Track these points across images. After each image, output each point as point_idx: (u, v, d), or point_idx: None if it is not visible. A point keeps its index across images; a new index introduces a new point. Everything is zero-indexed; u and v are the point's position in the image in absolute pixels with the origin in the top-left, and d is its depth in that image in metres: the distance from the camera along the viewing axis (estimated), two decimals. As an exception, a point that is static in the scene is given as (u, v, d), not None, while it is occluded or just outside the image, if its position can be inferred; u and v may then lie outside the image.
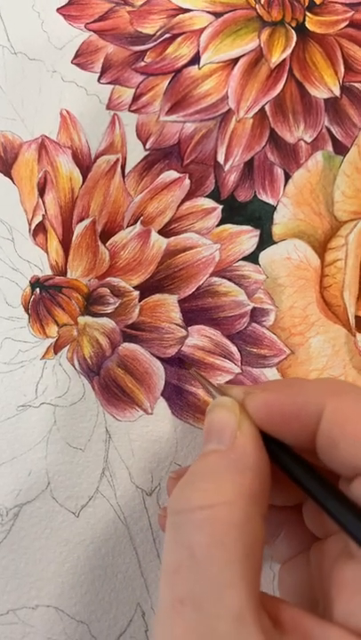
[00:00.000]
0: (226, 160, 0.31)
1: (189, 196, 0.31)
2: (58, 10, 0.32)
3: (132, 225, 0.30)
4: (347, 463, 0.19)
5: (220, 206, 0.31)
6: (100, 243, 0.30)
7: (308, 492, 0.20)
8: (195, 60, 0.32)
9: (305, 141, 0.31)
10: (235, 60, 0.32)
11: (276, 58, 0.32)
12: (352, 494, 0.19)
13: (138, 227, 0.30)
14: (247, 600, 0.17)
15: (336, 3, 0.33)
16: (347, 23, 0.32)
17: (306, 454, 0.21)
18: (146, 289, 0.30)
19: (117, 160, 0.31)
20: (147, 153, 0.31)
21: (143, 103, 0.31)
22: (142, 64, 0.32)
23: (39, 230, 0.30)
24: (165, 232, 0.30)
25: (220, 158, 0.31)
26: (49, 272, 0.30)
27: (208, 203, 0.31)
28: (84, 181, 0.30)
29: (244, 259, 0.30)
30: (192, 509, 0.19)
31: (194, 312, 0.30)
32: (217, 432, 0.21)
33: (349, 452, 0.19)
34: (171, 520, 0.19)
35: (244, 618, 0.17)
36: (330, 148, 0.31)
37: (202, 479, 0.20)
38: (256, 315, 0.30)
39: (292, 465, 0.21)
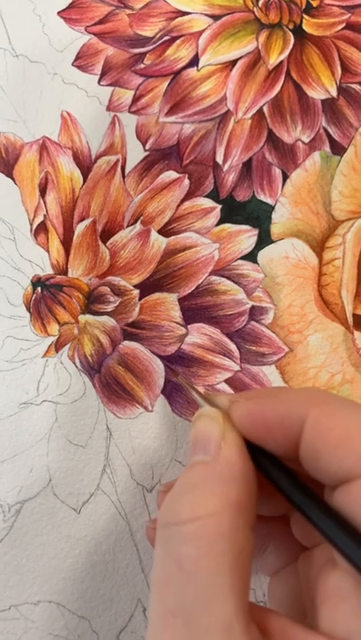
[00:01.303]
0: (225, 160, 0.31)
1: (189, 195, 0.31)
2: (58, 13, 0.33)
3: (132, 225, 0.31)
4: (330, 472, 0.19)
5: (219, 206, 0.31)
6: (100, 242, 0.30)
7: (293, 501, 0.20)
8: (193, 62, 0.32)
9: (303, 142, 0.32)
10: (233, 62, 0.32)
11: (273, 60, 0.32)
12: (335, 503, 0.19)
13: (138, 226, 0.30)
14: (236, 611, 0.17)
15: (333, 5, 0.33)
16: (343, 25, 0.33)
17: (291, 463, 0.21)
18: (146, 288, 0.30)
19: (117, 161, 0.31)
20: (146, 153, 0.31)
21: (143, 105, 0.32)
22: (142, 66, 0.32)
23: (40, 230, 0.31)
24: (165, 231, 0.31)
25: (219, 159, 0.31)
26: (50, 271, 0.30)
27: (207, 202, 0.31)
28: (84, 182, 0.31)
29: (243, 258, 0.31)
30: (179, 522, 0.19)
31: (193, 310, 0.30)
32: (202, 443, 0.21)
33: (331, 462, 0.19)
34: (159, 533, 0.19)
35: (234, 629, 0.17)
36: (327, 148, 0.32)
37: (188, 492, 0.20)
38: (255, 313, 0.30)
39: (276, 474, 0.21)
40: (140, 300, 0.30)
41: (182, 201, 0.31)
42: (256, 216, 0.31)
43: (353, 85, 0.32)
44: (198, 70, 0.32)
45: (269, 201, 0.31)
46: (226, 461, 0.20)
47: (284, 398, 0.21)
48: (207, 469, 0.20)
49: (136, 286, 0.30)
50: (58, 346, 0.30)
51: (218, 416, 0.21)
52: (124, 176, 0.31)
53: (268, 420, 0.20)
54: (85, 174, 0.31)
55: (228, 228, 0.31)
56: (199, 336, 0.30)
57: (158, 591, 0.18)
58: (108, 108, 0.32)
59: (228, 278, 0.30)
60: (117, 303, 0.30)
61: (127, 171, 0.31)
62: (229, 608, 0.17)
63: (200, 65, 0.32)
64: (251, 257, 0.31)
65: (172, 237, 0.30)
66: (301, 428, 0.20)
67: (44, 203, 0.31)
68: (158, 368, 0.29)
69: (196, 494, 0.19)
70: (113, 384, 0.29)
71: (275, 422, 0.20)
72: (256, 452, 0.21)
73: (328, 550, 0.21)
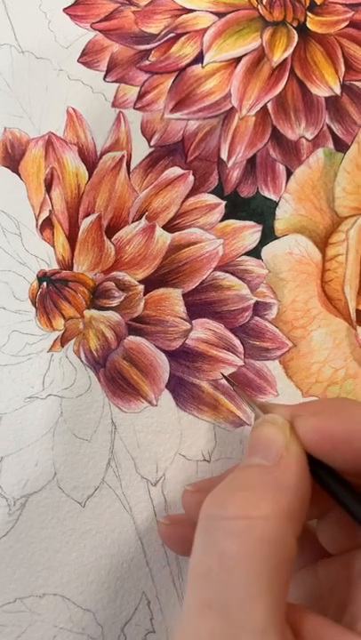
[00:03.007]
0: (229, 157, 0.32)
1: (193, 191, 0.31)
2: (64, 10, 0.33)
3: (137, 220, 0.31)
4: None
5: (224, 202, 0.31)
6: (105, 238, 0.30)
7: (354, 515, 0.21)
8: (198, 58, 0.32)
9: (306, 139, 0.32)
10: (237, 59, 0.32)
11: (277, 57, 0.32)
12: None
13: (143, 222, 0.31)
14: (273, 615, 0.17)
15: (336, 3, 0.33)
16: (347, 23, 0.33)
17: (353, 477, 0.21)
18: (151, 283, 0.30)
19: (123, 157, 0.31)
20: (151, 150, 0.32)
21: (148, 101, 0.32)
22: (147, 63, 0.32)
23: (46, 225, 0.31)
24: (170, 227, 0.31)
25: (224, 155, 0.32)
26: (55, 266, 0.30)
27: (212, 198, 0.31)
28: (89, 177, 0.31)
29: (247, 253, 0.31)
30: (228, 517, 0.19)
31: (198, 306, 0.30)
32: (263, 447, 0.21)
33: None
34: (202, 524, 0.20)
35: (269, 633, 0.17)
36: (331, 145, 0.32)
37: (241, 490, 0.20)
38: (259, 308, 0.30)
39: (337, 489, 0.21)
40: (144, 295, 0.30)
41: (187, 197, 0.31)
42: (260, 212, 0.31)
43: (356, 83, 0.33)
44: (203, 67, 0.32)
45: (273, 197, 0.31)
46: (285, 470, 0.20)
47: (351, 414, 0.21)
48: (264, 473, 0.20)
49: (141, 281, 0.30)
50: (63, 340, 0.30)
51: (285, 426, 0.21)
52: (129, 172, 0.31)
53: (335, 437, 0.21)
54: (91, 170, 0.31)
55: (233, 223, 0.31)
56: (203, 331, 0.30)
57: (196, 581, 0.19)
58: (114, 105, 0.32)
59: (233, 274, 0.30)
60: (122, 298, 0.30)
61: (132, 167, 0.31)
62: (267, 611, 0.17)
63: (205, 62, 0.32)
64: (255, 253, 0.31)
65: (177, 233, 0.31)
66: None
67: (50, 198, 0.31)
68: (163, 363, 0.30)
69: (250, 494, 0.19)
70: (118, 378, 0.29)
71: (343, 439, 0.21)
72: (316, 466, 0.21)
73: None
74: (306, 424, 0.21)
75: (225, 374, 0.29)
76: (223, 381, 0.30)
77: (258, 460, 0.21)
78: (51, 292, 0.30)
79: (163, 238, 0.30)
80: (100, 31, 0.33)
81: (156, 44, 0.32)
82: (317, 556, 0.24)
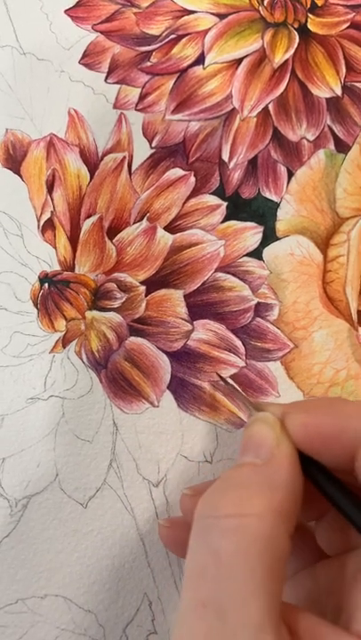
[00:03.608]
0: (230, 158, 0.32)
1: (195, 193, 0.31)
2: (66, 11, 0.33)
3: (138, 221, 0.31)
4: None
5: (225, 203, 0.31)
6: (107, 239, 0.31)
7: (344, 512, 0.21)
8: (199, 60, 0.32)
9: (307, 140, 0.32)
10: (238, 61, 0.32)
11: (278, 58, 0.32)
12: None
13: (144, 223, 0.31)
14: (268, 612, 0.17)
15: (337, 4, 0.34)
16: (348, 24, 0.33)
17: (343, 474, 0.21)
18: (152, 284, 0.30)
19: (124, 158, 0.31)
20: (153, 151, 0.32)
21: (149, 102, 0.32)
22: (148, 64, 0.32)
23: (48, 226, 0.31)
24: (171, 228, 0.31)
25: (225, 156, 0.32)
26: (57, 267, 0.30)
27: (213, 200, 0.31)
28: (91, 179, 0.31)
29: (249, 254, 0.31)
30: (222, 516, 0.19)
31: (199, 307, 0.30)
32: (255, 446, 0.21)
33: None
34: (197, 524, 0.20)
35: (265, 630, 0.17)
36: (332, 146, 0.32)
37: (234, 489, 0.20)
38: (260, 309, 0.30)
39: (328, 486, 0.21)
40: (146, 296, 0.30)
41: (188, 198, 0.31)
42: (261, 213, 0.31)
43: (357, 84, 0.33)
44: (204, 68, 0.32)
45: (275, 198, 0.31)
46: (276, 468, 0.20)
47: (341, 411, 0.21)
48: (256, 472, 0.20)
49: (142, 283, 0.30)
50: (65, 341, 0.30)
51: (276, 424, 0.22)
52: (130, 173, 0.31)
53: (325, 434, 0.21)
54: (92, 171, 0.31)
55: (234, 225, 0.31)
56: (205, 332, 0.30)
57: (192, 580, 0.19)
58: (115, 106, 0.32)
59: (234, 275, 0.31)
60: (124, 299, 0.30)
61: (134, 168, 0.31)
62: (262, 608, 0.17)
63: (206, 63, 0.32)
64: (256, 254, 0.31)
65: (178, 234, 0.31)
66: (359, 441, 0.20)
67: (52, 199, 0.31)
68: (164, 364, 0.30)
69: (242, 492, 0.19)
70: (119, 379, 0.29)
71: (332, 435, 0.21)
72: (308, 463, 0.21)
73: None
74: (296, 421, 0.21)
75: (219, 374, 0.29)
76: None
77: (250, 459, 0.21)
78: (52, 294, 0.30)
79: (164, 239, 0.30)
80: (101, 32, 0.33)
81: (158, 45, 0.32)
82: (316, 558, 0.24)
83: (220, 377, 0.29)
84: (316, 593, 0.23)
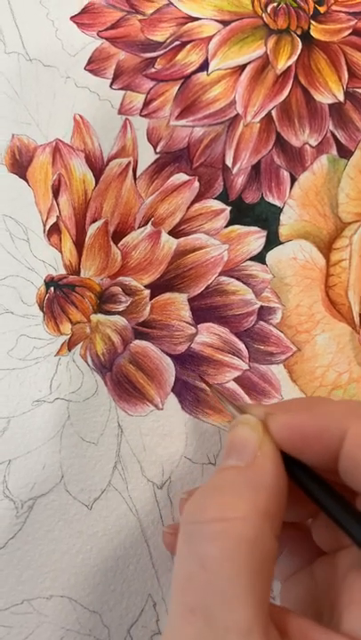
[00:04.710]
0: (234, 163, 0.32)
1: (199, 197, 0.32)
2: (71, 18, 0.33)
3: (143, 226, 0.31)
4: None
5: (229, 208, 0.31)
6: (112, 243, 0.31)
7: (327, 511, 0.21)
8: (203, 66, 0.33)
9: (310, 145, 0.32)
10: (242, 67, 0.33)
11: (282, 64, 0.33)
12: None
13: (149, 228, 0.31)
14: (256, 615, 0.17)
15: (340, 12, 0.34)
16: (350, 31, 0.34)
17: (326, 473, 0.21)
18: (156, 288, 0.31)
19: (129, 163, 0.32)
20: (157, 156, 0.32)
21: (154, 108, 0.32)
22: (153, 70, 0.33)
23: (53, 231, 0.31)
24: (175, 233, 0.31)
25: (229, 161, 0.32)
26: (63, 271, 0.31)
27: (217, 204, 0.32)
28: (96, 184, 0.31)
29: (252, 259, 0.31)
30: (206, 521, 0.19)
31: (203, 310, 0.30)
32: (238, 449, 0.21)
33: None
34: (183, 530, 0.20)
35: (253, 633, 0.17)
36: (334, 151, 0.32)
37: (217, 493, 0.20)
38: (263, 313, 0.31)
39: (312, 485, 0.21)
40: (150, 299, 0.30)
41: (192, 203, 0.31)
42: (265, 218, 0.32)
43: (360, 90, 0.33)
44: (208, 75, 0.32)
45: (278, 203, 0.32)
46: (259, 470, 0.20)
47: (322, 411, 0.21)
48: (239, 474, 0.20)
49: (147, 286, 0.30)
50: (70, 344, 0.30)
51: (258, 426, 0.21)
52: (135, 178, 0.32)
53: (306, 433, 0.21)
54: (97, 176, 0.32)
55: (238, 229, 0.31)
56: (208, 335, 0.30)
57: (179, 587, 0.19)
58: (120, 112, 0.32)
59: (238, 279, 0.31)
60: (129, 303, 0.30)
61: (138, 173, 0.32)
62: (249, 611, 0.17)
63: (210, 69, 0.32)
64: (259, 258, 0.31)
65: (183, 238, 0.31)
66: (341, 440, 0.20)
67: (57, 204, 0.31)
68: (169, 367, 0.30)
69: (226, 496, 0.19)
70: (124, 382, 0.30)
71: (313, 435, 0.21)
72: (291, 464, 0.21)
73: (354, 554, 0.21)
74: (278, 422, 0.21)
75: (202, 377, 0.29)
76: (228, 385, 0.30)
77: (233, 462, 0.21)
78: (58, 297, 0.30)
79: (168, 244, 0.31)
80: (106, 39, 0.33)
81: (162, 51, 0.33)
82: (314, 556, 0.24)
83: (204, 380, 0.29)
84: (315, 591, 0.23)
